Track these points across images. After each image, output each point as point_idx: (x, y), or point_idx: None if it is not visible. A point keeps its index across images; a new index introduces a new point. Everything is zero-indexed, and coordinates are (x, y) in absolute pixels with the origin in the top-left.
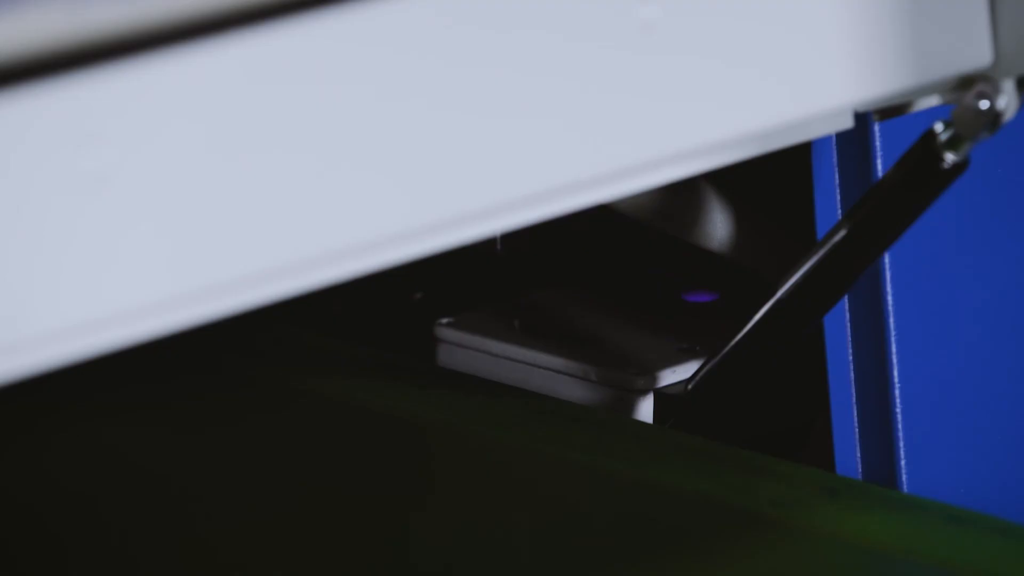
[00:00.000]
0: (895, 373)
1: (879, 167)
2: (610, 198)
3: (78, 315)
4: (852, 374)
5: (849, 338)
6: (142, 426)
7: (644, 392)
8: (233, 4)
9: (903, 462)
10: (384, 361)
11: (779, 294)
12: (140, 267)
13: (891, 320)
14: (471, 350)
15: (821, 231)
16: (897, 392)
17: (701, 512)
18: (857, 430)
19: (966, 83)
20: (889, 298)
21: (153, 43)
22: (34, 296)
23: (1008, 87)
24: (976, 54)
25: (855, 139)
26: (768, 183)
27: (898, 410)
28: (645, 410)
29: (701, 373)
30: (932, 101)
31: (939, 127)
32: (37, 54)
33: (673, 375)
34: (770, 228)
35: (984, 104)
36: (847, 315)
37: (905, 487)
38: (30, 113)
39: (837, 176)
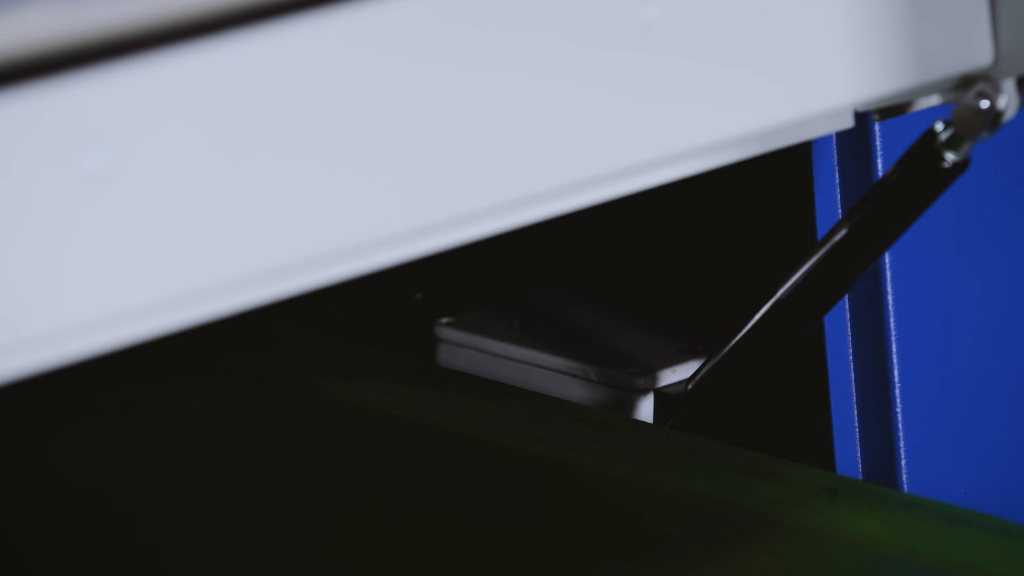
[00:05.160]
0: (895, 373)
1: (879, 167)
2: (610, 198)
3: (78, 315)
4: (852, 374)
5: (849, 338)
6: (141, 427)
7: (644, 392)
8: (233, 4)
9: (903, 462)
10: (384, 361)
11: (779, 294)
12: (140, 267)
13: (891, 320)
14: (471, 350)
15: (821, 231)
16: (897, 392)
17: (701, 512)
18: (857, 430)
19: (966, 83)
20: (889, 298)
21: (153, 43)
22: (34, 296)
23: (1008, 87)
24: (976, 54)
25: (855, 139)
26: (768, 183)
27: (898, 410)
28: (645, 410)
29: (701, 373)
30: (932, 101)
31: (939, 127)
32: (37, 54)
33: (673, 375)
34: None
35: (984, 104)
36: (847, 315)
37: (905, 487)
38: (30, 113)
39: (837, 176)
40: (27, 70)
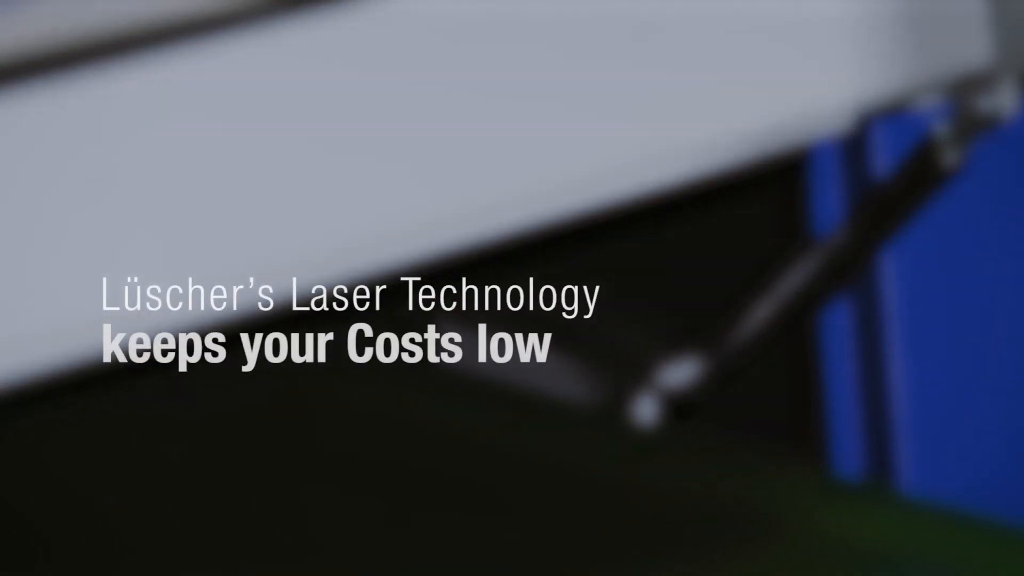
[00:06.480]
0: (895, 373)
1: (879, 167)
2: (608, 199)
3: (77, 315)
4: (852, 374)
5: (849, 338)
6: (141, 427)
7: (644, 392)
8: (234, 4)
9: (903, 462)
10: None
11: (778, 294)
12: (140, 267)
13: (891, 320)
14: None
15: (820, 231)
16: (897, 392)
17: (701, 512)
18: (857, 430)
19: (966, 83)
20: (889, 298)
21: (154, 42)
22: (34, 297)
23: (1008, 87)
24: (976, 54)
25: (855, 139)
26: (767, 182)
27: (898, 410)
28: (645, 410)
29: (701, 373)
30: (932, 101)
31: (939, 127)
32: (37, 54)
33: (673, 374)
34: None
35: (984, 104)
36: (847, 315)
37: (905, 487)
38: (30, 113)
39: (836, 175)
40: (27, 70)
